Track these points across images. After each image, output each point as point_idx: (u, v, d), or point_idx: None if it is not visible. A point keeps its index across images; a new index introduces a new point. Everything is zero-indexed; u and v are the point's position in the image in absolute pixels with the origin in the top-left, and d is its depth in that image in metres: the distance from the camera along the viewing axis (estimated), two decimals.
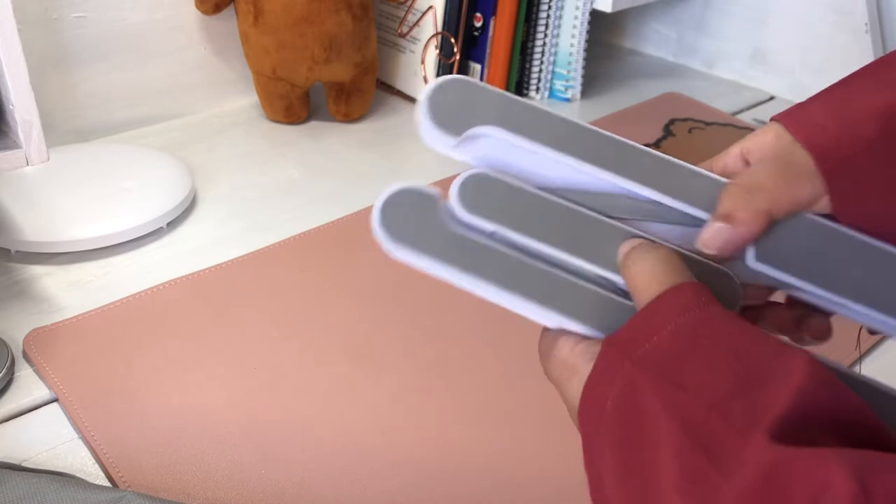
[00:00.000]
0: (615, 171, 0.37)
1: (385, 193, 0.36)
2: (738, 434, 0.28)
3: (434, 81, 0.37)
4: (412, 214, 0.36)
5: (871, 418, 0.29)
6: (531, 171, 0.38)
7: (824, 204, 0.38)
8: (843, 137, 0.37)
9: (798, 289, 0.38)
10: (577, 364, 0.35)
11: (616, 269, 0.36)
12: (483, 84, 0.37)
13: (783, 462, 0.26)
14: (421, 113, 0.36)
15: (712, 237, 0.37)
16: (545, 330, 0.38)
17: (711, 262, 0.37)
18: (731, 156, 0.41)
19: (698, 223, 0.38)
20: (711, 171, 0.40)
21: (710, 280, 0.35)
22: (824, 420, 0.28)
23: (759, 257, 0.37)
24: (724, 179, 0.39)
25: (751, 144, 0.41)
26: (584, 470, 0.34)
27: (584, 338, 0.36)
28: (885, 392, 0.36)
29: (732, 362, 0.30)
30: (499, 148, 0.37)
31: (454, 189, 0.36)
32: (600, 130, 0.38)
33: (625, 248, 0.36)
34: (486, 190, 0.36)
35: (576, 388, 0.35)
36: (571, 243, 0.36)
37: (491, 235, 0.37)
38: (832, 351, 0.67)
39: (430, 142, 0.37)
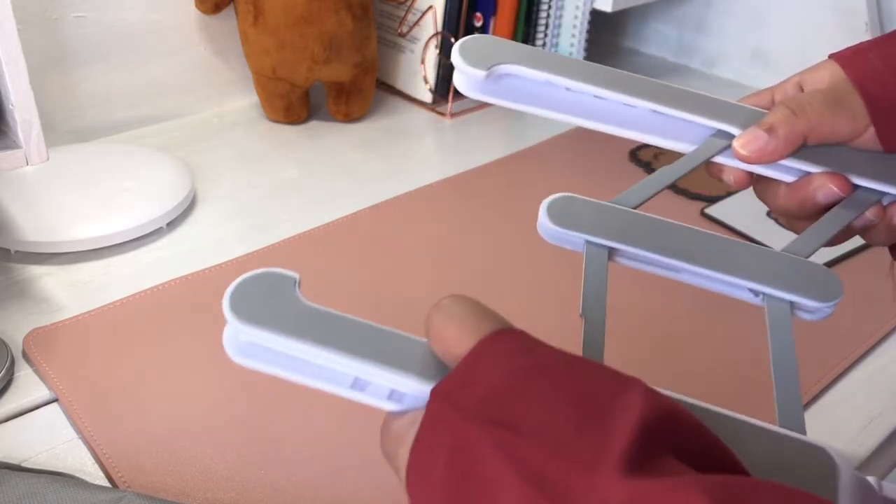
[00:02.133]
0: (624, 91, 0.45)
1: (238, 279, 0.35)
2: (585, 473, 0.26)
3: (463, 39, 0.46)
4: (265, 295, 0.34)
5: (713, 439, 0.28)
6: (549, 105, 0.45)
7: (867, 138, 0.43)
8: (892, 81, 0.42)
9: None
10: (405, 433, 0.32)
11: None
12: (502, 39, 0.46)
13: (640, 496, 0.25)
14: (454, 56, 0.44)
15: (751, 140, 0.43)
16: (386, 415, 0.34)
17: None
18: (790, 83, 0.47)
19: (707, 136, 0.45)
20: (773, 97, 0.47)
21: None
22: (670, 446, 0.27)
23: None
24: (731, 102, 0.46)
25: (807, 76, 0.46)
26: None
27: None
28: (725, 416, 0.35)
29: (570, 402, 0.28)
30: (519, 84, 0.45)
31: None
32: (610, 68, 0.46)
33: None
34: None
35: (403, 457, 0.31)
36: None
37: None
38: (833, 350, 0.67)
39: (461, 81, 0.45)
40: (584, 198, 0.42)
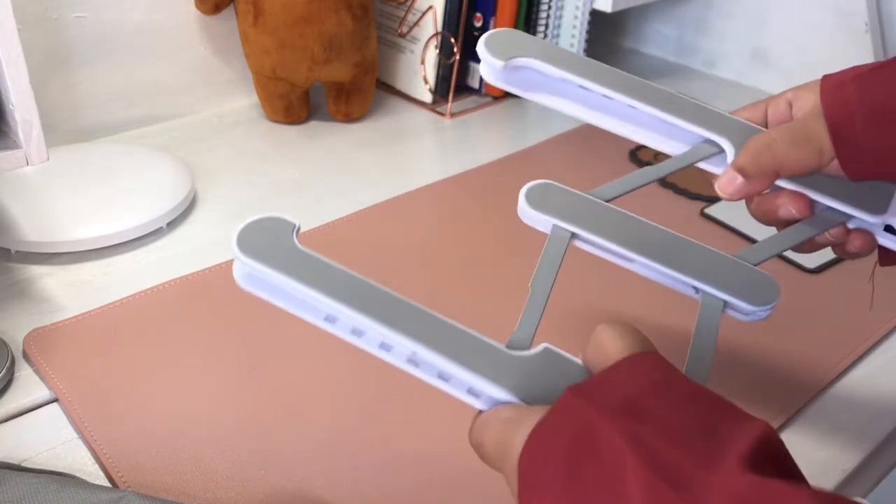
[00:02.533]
0: (631, 95, 0.48)
1: (245, 221, 0.41)
2: (705, 465, 0.28)
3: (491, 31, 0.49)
4: (269, 237, 0.41)
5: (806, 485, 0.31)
6: (560, 98, 0.49)
7: (835, 166, 0.45)
8: (864, 123, 0.44)
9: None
10: (523, 415, 0.34)
11: None
12: (527, 35, 0.50)
13: (755, 491, 0.27)
14: (480, 47, 0.48)
15: (727, 183, 0.46)
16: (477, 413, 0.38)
17: None
18: (782, 99, 0.49)
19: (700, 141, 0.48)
20: (766, 109, 0.50)
21: None
22: (782, 468, 0.29)
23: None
24: (723, 113, 0.49)
25: (798, 95, 0.49)
26: None
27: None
28: None
29: (696, 413, 0.31)
30: (535, 77, 0.49)
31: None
32: (620, 71, 0.49)
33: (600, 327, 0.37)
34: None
35: (522, 436, 0.33)
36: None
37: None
38: (833, 350, 0.67)
39: (484, 70, 0.49)
40: (562, 186, 0.45)
